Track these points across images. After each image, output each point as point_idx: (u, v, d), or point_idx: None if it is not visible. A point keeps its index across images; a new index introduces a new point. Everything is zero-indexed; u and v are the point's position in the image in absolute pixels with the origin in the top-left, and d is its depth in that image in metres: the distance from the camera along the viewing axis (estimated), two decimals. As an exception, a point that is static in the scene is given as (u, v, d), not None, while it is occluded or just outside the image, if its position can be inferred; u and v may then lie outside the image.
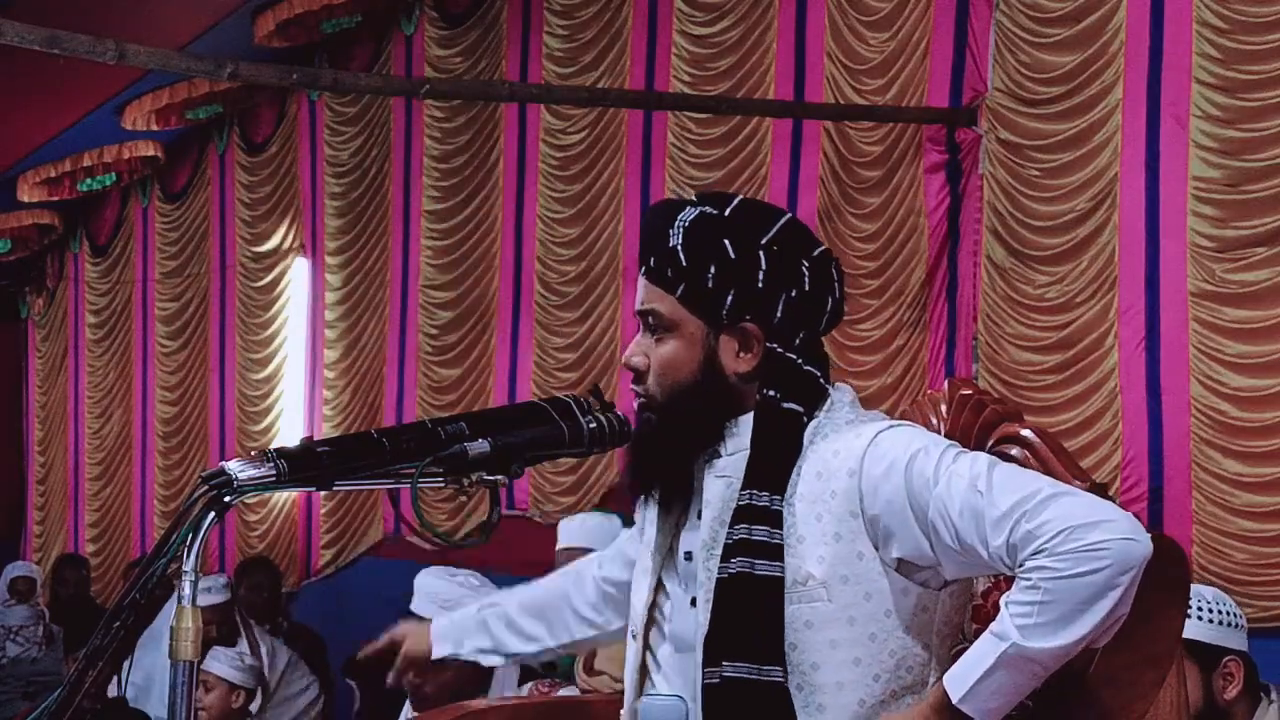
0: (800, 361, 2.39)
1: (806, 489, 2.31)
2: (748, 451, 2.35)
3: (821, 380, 2.40)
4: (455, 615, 2.83)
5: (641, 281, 2.40)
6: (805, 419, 2.36)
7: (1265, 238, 5.20)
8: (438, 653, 2.80)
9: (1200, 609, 3.66)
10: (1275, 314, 5.20)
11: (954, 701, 2.20)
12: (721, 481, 2.36)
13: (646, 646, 2.46)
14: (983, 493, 2.21)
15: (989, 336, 6.00)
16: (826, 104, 6.61)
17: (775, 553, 2.28)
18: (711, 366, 2.36)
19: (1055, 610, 2.15)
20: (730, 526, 2.31)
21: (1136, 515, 2.70)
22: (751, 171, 6.98)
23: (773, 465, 2.33)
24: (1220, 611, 3.72)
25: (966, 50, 6.17)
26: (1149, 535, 2.21)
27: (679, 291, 2.35)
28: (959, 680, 2.21)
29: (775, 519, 2.29)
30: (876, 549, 2.28)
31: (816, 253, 2.40)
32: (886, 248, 6.40)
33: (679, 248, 2.35)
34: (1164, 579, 2.47)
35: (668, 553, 2.45)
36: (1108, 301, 5.65)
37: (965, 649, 2.30)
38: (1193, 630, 3.59)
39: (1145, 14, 5.58)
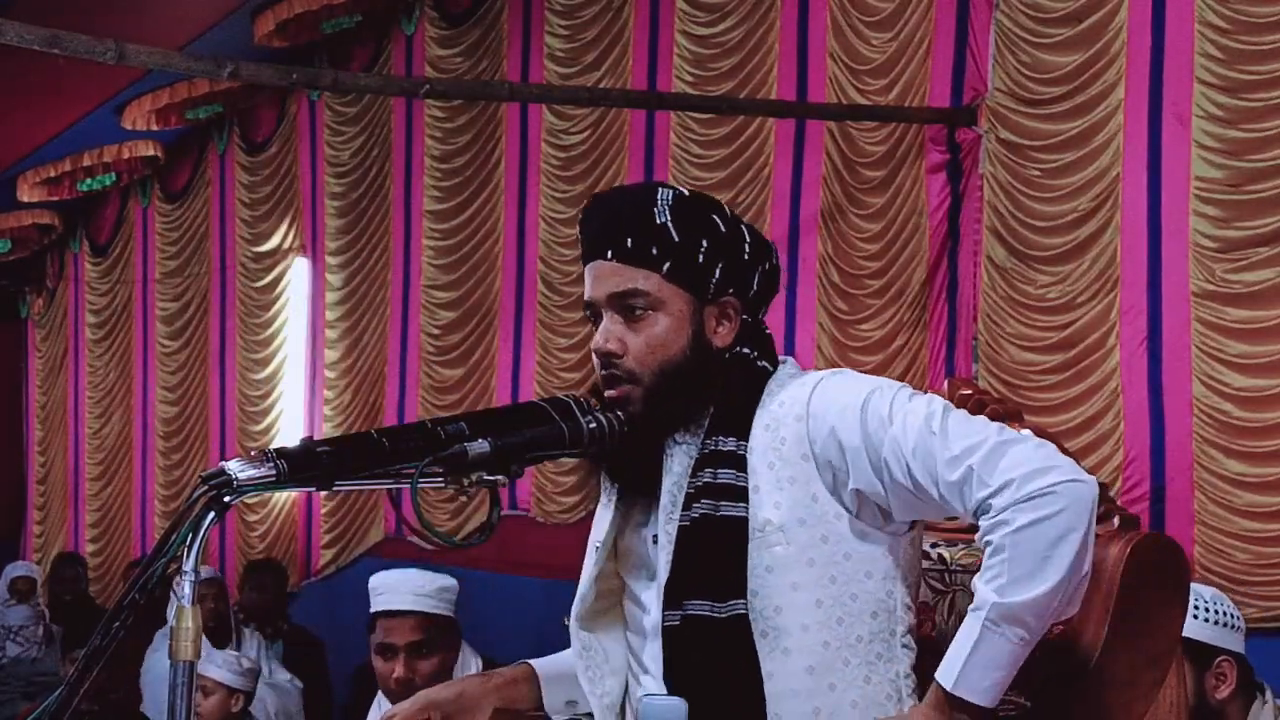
0: (767, 331, 2.45)
1: (757, 441, 2.33)
2: (710, 413, 2.37)
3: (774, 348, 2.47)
4: (568, 669, 2.58)
5: (610, 266, 2.35)
6: (770, 375, 2.40)
7: (1267, 238, 5.20)
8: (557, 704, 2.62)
9: (1197, 607, 3.67)
10: (1277, 314, 5.20)
11: (948, 689, 2.20)
12: (682, 448, 2.36)
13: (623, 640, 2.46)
14: (936, 433, 2.24)
15: (989, 336, 6.00)
16: (828, 104, 6.61)
17: (740, 495, 2.30)
18: (699, 341, 2.37)
19: (1023, 563, 2.17)
20: (692, 475, 2.33)
21: (1138, 515, 2.71)
22: (754, 172, 6.98)
23: (737, 412, 2.35)
24: (1217, 611, 3.73)
25: (967, 50, 6.17)
26: (1093, 477, 2.24)
27: (665, 268, 2.34)
28: (948, 668, 2.22)
29: (740, 463, 2.32)
30: (830, 491, 2.31)
31: (761, 230, 2.50)
32: (889, 248, 6.40)
33: (669, 224, 2.34)
34: (1164, 578, 2.47)
35: (622, 544, 2.44)
36: (1109, 302, 5.64)
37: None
38: (1188, 628, 3.60)
39: (1147, 14, 5.57)
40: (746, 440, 2.33)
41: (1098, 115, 5.70)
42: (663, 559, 2.34)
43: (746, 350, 2.39)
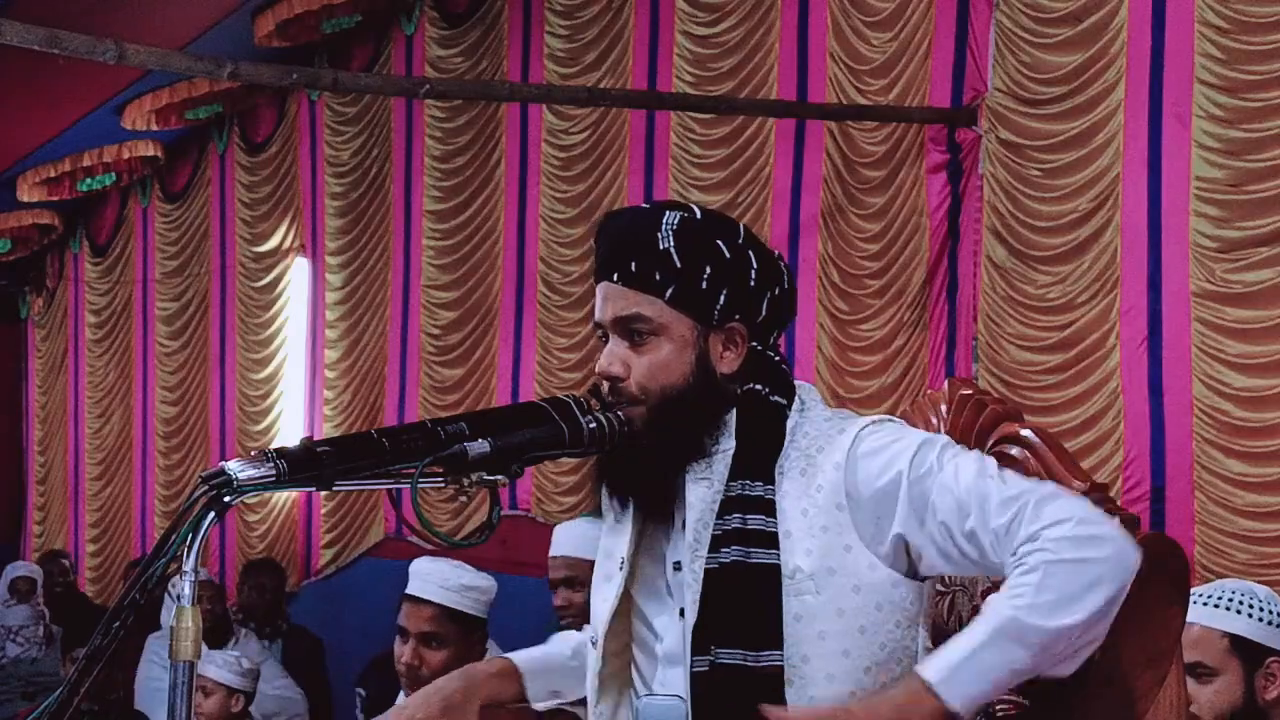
0: (778, 359, 2.42)
1: (791, 485, 2.31)
2: (730, 450, 2.35)
3: (791, 376, 2.44)
4: (547, 661, 2.69)
5: (616, 289, 2.35)
6: (786, 412, 2.37)
7: (1267, 238, 5.20)
8: (539, 696, 2.68)
9: (1252, 606, 3.64)
10: (1277, 314, 5.20)
11: (932, 684, 2.17)
12: (703, 483, 2.34)
13: (624, 658, 2.45)
14: (993, 478, 2.24)
15: (989, 336, 6.00)
16: (828, 104, 6.61)
17: (771, 541, 2.28)
18: (704, 367, 2.35)
19: (1053, 591, 2.14)
20: (719, 518, 2.30)
21: (1138, 515, 2.71)
22: (755, 172, 6.98)
23: (762, 456, 2.33)
24: (1272, 611, 3.68)
25: (967, 50, 6.17)
26: (1138, 548, 2.22)
27: (668, 294, 2.33)
28: (939, 665, 2.18)
29: (770, 508, 2.30)
30: (867, 542, 2.28)
31: (777, 253, 2.46)
32: (889, 248, 6.40)
33: (672, 250, 2.33)
34: (1163, 578, 2.47)
35: (637, 563, 2.42)
36: (1109, 302, 5.64)
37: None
38: (1242, 627, 3.58)
39: (1147, 14, 5.57)
40: (773, 483, 2.31)
41: (1098, 115, 5.70)
42: (689, 599, 2.32)
43: (758, 386, 2.37)
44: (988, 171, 6.06)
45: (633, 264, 2.34)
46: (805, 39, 6.83)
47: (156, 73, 8.37)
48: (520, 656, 2.67)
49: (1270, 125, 5.21)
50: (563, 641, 2.73)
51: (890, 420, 2.39)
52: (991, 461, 2.28)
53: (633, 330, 2.34)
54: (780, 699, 2.26)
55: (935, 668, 2.18)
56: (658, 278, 2.33)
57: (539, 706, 2.67)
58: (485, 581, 4.40)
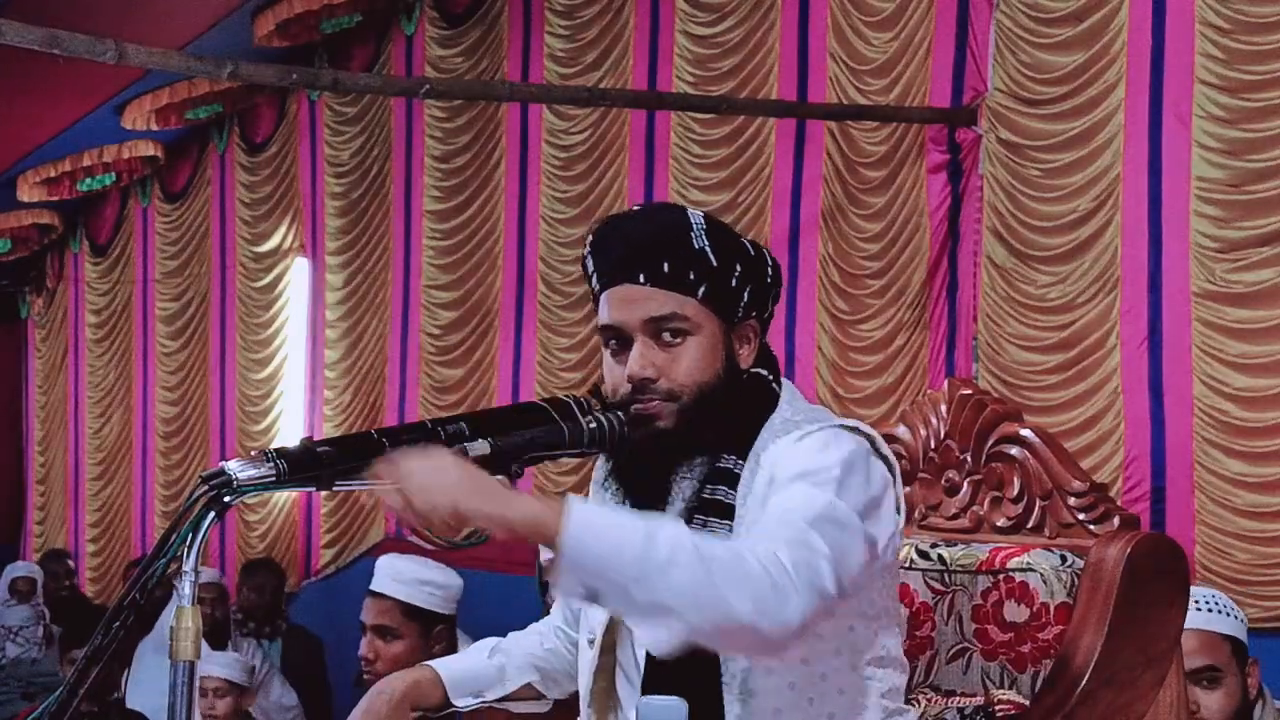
0: (773, 353, 2.45)
1: (749, 464, 2.32)
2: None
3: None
4: (467, 666, 2.70)
5: (643, 291, 2.32)
6: (779, 400, 2.39)
7: (1268, 238, 5.20)
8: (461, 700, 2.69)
9: (1227, 610, 3.67)
10: (1277, 314, 5.20)
11: (569, 501, 2.02)
12: (687, 481, 2.34)
13: (614, 658, 2.45)
14: (816, 523, 2.14)
15: (989, 336, 6.00)
16: (828, 104, 6.61)
17: (727, 512, 2.28)
18: (732, 365, 2.36)
19: (723, 576, 2.02)
20: (701, 490, 2.31)
21: (1138, 515, 2.71)
22: (755, 172, 6.98)
23: (744, 432, 2.33)
24: (1238, 610, 3.73)
25: (967, 50, 6.17)
26: (790, 623, 2.06)
27: (701, 293, 2.32)
28: (592, 513, 2.05)
29: (734, 480, 2.30)
30: None
31: (761, 230, 2.50)
32: (890, 248, 6.39)
33: (707, 249, 2.32)
34: (1164, 579, 2.47)
35: None
36: (1110, 302, 5.64)
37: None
38: (1231, 628, 3.62)
39: (1147, 14, 5.57)
40: (744, 459, 2.31)
41: (1098, 115, 5.70)
42: None
43: (763, 371, 2.39)
44: (988, 171, 6.06)
45: (665, 264, 2.31)
46: (805, 39, 6.83)
47: (156, 73, 8.37)
48: (440, 664, 2.68)
49: (1270, 125, 5.21)
50: (478, 647, 2.74)
51: (826, 431, 2.31)
52: (836, 507, 2.18)
53: (665, 330, 2.32)
54: (712, 673, 2.26)
55: (583, 505, 2.05)
56: (692, 277, 2.32)
57: (463, 707, 2.69)
58: (444, 577, 4.40)
